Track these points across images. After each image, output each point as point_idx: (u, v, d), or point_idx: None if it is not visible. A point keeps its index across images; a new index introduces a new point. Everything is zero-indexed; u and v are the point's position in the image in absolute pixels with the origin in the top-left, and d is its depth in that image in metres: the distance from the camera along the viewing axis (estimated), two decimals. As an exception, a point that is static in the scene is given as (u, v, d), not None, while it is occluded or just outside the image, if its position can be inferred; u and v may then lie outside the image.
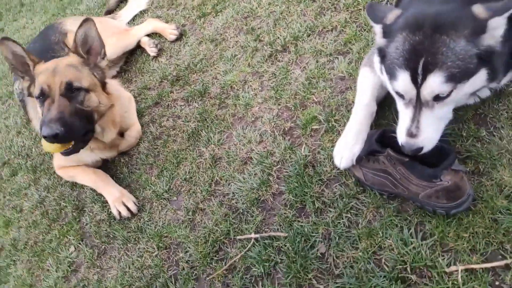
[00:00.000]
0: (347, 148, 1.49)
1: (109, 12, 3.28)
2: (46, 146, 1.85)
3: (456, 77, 1.10)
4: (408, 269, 1.27)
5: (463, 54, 1.09)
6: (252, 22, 2.36)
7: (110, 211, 2.03)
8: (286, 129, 1.84)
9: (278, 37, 2.16)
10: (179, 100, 2.31)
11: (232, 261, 1.59)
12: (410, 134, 1.20)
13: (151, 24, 2.78)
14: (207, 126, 2.07)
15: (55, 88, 1.84)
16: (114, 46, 2.66)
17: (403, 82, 1.15)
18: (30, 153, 2.77)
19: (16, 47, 1.92)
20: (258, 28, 2.29)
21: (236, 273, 1.56)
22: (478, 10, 1.09)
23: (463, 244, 1.25)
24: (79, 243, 2.05)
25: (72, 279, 1.96)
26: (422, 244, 1.30)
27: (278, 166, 1.74)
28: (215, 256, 1.65)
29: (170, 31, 2.65)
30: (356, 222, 1.45)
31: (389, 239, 1.35)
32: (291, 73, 2.00)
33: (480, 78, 1.15)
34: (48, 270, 2.05)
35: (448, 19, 1.10)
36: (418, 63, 1.10)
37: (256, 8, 2.40)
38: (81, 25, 1.94)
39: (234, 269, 1.58)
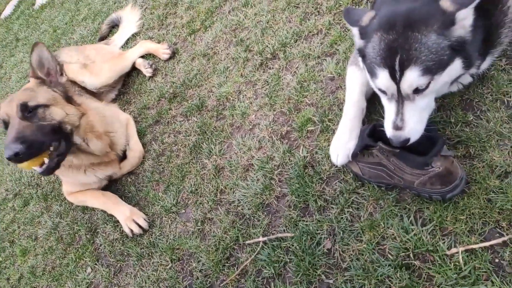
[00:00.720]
0: (342, 145, 1.55)
1: (102, 38, 3.37)
2: (20, 165, 1.87)
3: (432, 69, 1.16)
4: (411, 255, 1.32)
5: (435, 47, 1.14)
6: (240, 34, 2.43)
7: (122, 230, 2.09)
8: (283, 133, 1.90)
9: (267, 46, 2.23)
10: (178, 116, 2.38)
11: (243, 266, 1.64)
12: (396, 127, 1.26)
13: (144, 46, 2.87)
14: (208, 138, 2.13)
15: (13, 114, 1.89)
16: (110, 71, 2.75)
17: (383, 79, 1.22)
18: (39, 182, 2.85)
19: None
20: (247, 39, 2.37)
21: (248, 276, 1.61)
22: (446, 4, 1.14)
23: (461, 226, 1.29)
24: (95, 264, 2.11)
25: (92, 299, 2.02)
26: (422, 230, 1.35)
27: (279, 170, 1.79)
28: (227, 263, 1.71)
29: (162, 50, 2.73)
30: (358, 215, 1.50)
31: (390, 229, 1.40)
32: (282, 79, 2.07)
33: (456, 67, 1.20)
34: (68, 293, 2.11)
35: (418, 16, 1.16)
36: (395, 60, 1.16)
37: (243, 19, 2.48)
38: (32, 50, 2.00)
39: (246, 273, 1.64)
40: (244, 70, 2.25)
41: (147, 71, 2.74)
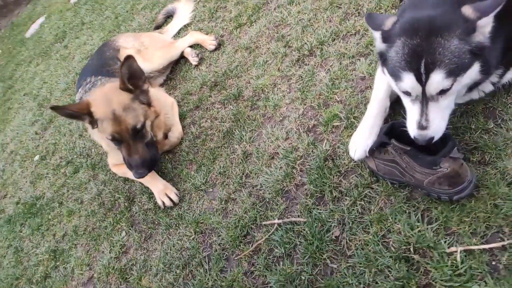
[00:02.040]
0: (361, 141, 1.63)
1: (158, 27, 3.62)
2: None
3: (455, 72, 1.21)
4: (412, 249, 1.38)
5: (457, 52, 1.20)
6: (282, 30, 2.55)
7: (155, 201, 2.29)
8: (310, 126, 2.00)
9: (306, 43, 2.33)
10: (217, 103, 2.55)
11: (257, 244, 1.78)
12: (421, 127, 1.31)
13: (193, 36, 3.06)
14: (240, 126, 2.28)
15: (125, 135, 2.15)
16: (161, 58, 2.97)
17: (409, 82, 1.27)
18: (90, 153, 3.14)
19: (67, 111, 2.17)
20: (288, 35, 2.48)
21: (261, 254, 1.74)
22: (467, 11, 1.20)
23: (465, 227, 1.34)
24: (130, 229, 2.33)
25: (123, 259, 2.24)
26: (427, 228, 1.41)
27: (301, 160, 1.90)
28: (244, 240, 1.85)
29: (209, 41, 2.91)
30: (369, 209, 1.58)
31: (397, 224, 1.47)
32: (316, 75, 2.16)
33: (475, 70, 1.26)
34: (103, 252, 2.35)
35: (441, 22, 1.22)
36: (420, 64, 1.22)
37: (287, 17, 2.59)
38: (123, 63, 2.12)
39: (259, 250, 1.77)
40: (282, 64, 2.37)
41: (193, 60, 2.93)
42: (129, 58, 2.12)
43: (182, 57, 3.10)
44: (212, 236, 1.96)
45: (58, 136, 3.66)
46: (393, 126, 1.48)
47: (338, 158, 1.79)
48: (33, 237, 2.89)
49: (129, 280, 2.12)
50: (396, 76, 1.34)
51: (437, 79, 1.23)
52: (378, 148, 1.55)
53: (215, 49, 2.89)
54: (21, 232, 3.04)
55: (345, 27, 2.24)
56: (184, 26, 3.40)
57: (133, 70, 2.18)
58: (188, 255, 1.97)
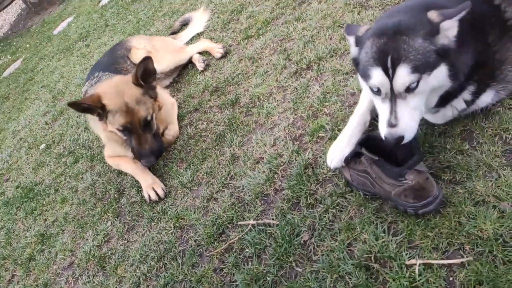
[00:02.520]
0: (338, 150, 1.67)
1: (173, 33, 3.76)
2: None
3: (420, 68, 1.25)
4: (373, 258, 1.39)
5: (421, 50, 1.25)
6: (285, 44, 2.63)
7: (143, 195, 2.35)
8: (297, 135, 2.04)
9: (305, 57, 2.40)
10: (214, 107, 2.62)
11: (230, 242, 1.80)
12: (390, 125, 1.32)
13: (203, 44, 3.17)
14: (233, 130, 2.34)
15: (136, 126, 2.31)
16: (170, 61, 3.09)
17: (377, 77, 1.31)
18: (91, 145, 3.24)
19: (83, 105, 2.29)
20: (290, 49, 2.56)
21: (232, 253, 1.77)
22: (432, 15, 1.27)
23: (428, 242, 1.35)
24: (115, 219, 2.38)
25: (104, 247, 2.28)
26: (391, 240, 1.41)
27: (284, 166, 1.94)
28: (219, 238, 1.87)
29: (217, 49, 3.01)
30: (340, 217, 1.60)
31: (364, 234, 1.48)
32: (310, 88, 2.22)
33: (442, 72, 1.29)
34: (87, 239, 2.40)
35: (407, 24, 1.29)
36: (387, 59, 1.27)
37: (292, 32, 2.68)
38: (141, 62, 2.29)
39: (231, 249, 1.79)
40: (280, 76, 2.44)
41: (200, 65, 3.03)
42: (147, 58, 2.28)
43: (190, 63, 3.20)
44: (190, 232, 2.00)
45: (65, 127, 3.78)
46: (369, 137, 1.52)
47: (318, 167, 1.82)
48: (26, 220, 2.97)
49: (106, 268, 2.15)
50: (366, 76, 1.37)
51: (403, 74, 1.26)
52: (353, 158, 1.58)
53: (222, 57, 2.99)
54: (16, 214, 3.12)
55: (344, 46, 2.30)
56: (197, 34, 3.52)
57: (148, 69, 2.31)
58: (165, 249, 2.01)
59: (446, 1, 1.34)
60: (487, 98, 1.46)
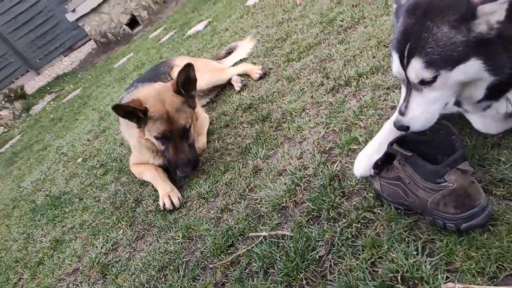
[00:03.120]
0: (366, 157, 1.46)
1: (218, 59, 3.79)
2: None
3: (437, 63, 1.08)
4: (399, 278, 1.12)
5: (444, 41, 1.06)
6: (326, 64, 2.51)
7: (158, 203, 2.21)
8: (327, 149, 1.85)
9: (344, 74, 2.25)
10: (245, 123, 2.50)
11: (237, 255, 1.59)
12: (400, 112, 1.22)
13: (243, 66, 3.14)
14: (260, 144, 2.18)
15: (175, 134, 2.25)
16: (208, 79, 3.06)
17: (394, 63, 1.18)
18: (122, 159, 3.21)
19: (127, 108, 2.20)
20: (330, 68, 2.43)
21: (238, 266, 1.55)
22: None
23: (471, 264, 1.06)
24: (127, 228, 2.25)
25: (110, 255, 2.14)
26: (425, 261, 1.14)
27: (308, 178, 1.73)
28: (227, 250, 1.67)
29: (256, 71, 2.95)
30: (365, 233, 1.35)
31: (392, 253, 1.22)
32: (346, 103, 2.05)
33: (473, 67, 1.09)
34: (96, 246, 2.27)
35: (441, 4, 1.09)
36: (405, 47, 1.11)
37: (334, 53, 2.56)
38: (182, 69, 2.25)
39: (238, 263, 1.57)
40: (316, 92, 2.29)
41: (237, 86, 2.97)
42: (189, 66, 2.26)
43: (229, 84, 3.16)
44: (198, 243, 1.81)
45: (104, 143, 3.83)
46: (404, 138, 1.30)
47: (345, 180, 1.60)
48: (46, 227, 2.93)
49: (107, 276, 2.00)
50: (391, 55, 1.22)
51: (415, 67, 1.12)
52: (385, 165, 1.36)
53: (260, 78, 2.92)
54: (39, 221, 3.10)
55: (387, 63, 2.13)
56: (241, 60, 3.52)
57: (189, 76, 2.27)
58: (169, 259, 1.82)
59: None
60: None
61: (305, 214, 1.57)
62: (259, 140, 2.22)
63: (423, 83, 1.14)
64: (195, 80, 2.34)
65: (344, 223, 1.42)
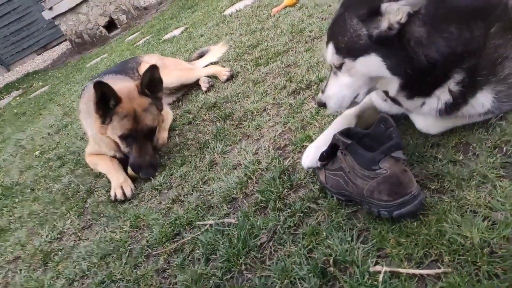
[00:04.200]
0: (314, 149, 1.49)
1: (190, 61, 3.81)
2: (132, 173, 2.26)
3: (343, 51, 1.20)
4: (332, 261, 1.14)
5: (350, 32, 1.17)
6: (291, 69, 2.56)
7: (110, 194, 2.17)
8: (282, 145, 1.88)
9: (306, 78, 2.31)
10: (207, 120, 2.51)
11: (181, 242, 1.57)
12: (322, 91, 1.38)
13: (212, 68, 3.17)
14: (219, 140, 2.19)
15: (140, 135, 2.20)
16: (176, 77, 3.07)
17: (324, 45, 1.30)
18: (81, 153, 3.13)
19: (108, 89, 2.10)
20: (294, 73, 2.48)
21: (181, 253, 1.53)
22: None
23: (400, 250, 1.10)
24: (76, 218, 2.18)
25: (54, 244, 2.06)
26: (359, 247, 1.17)
27: (260, 172, 1.75)
28: (173, 238, 1.65)
29: (224, 72, 2.98)
30: (306, 222, 1.37)
31: (329, 240, 1.24)
32: (305, 105, 2.09)
33: (373, 62, 1.19)
34: (41, 235, 2.18)
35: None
36: (328, 34, 1.25)
37: (299, 60, 2.63)
38: (147, 70, 2.21)
39: (182, 250, 1.55)
40: (279, 94, 2.34)
41: (204, 86, 2.99)
42: (153, 67, 2.23)
43: (197, 85, 3.17)
44: (145, 232, 1.78)
45: (64, 138, 3.74)
46: (349, 131, 1.34)
47: (295, 173, 1.63)
48: (-7, 216, 2.80)
49: (48, 263, 1.92)
50: None
51: (329, 51, 1.27)
52: (331, 158, 1.39)
53: (227, 80, 2.94)
54: (-13, 211, 2.96)
55: (347, 70, 2.20)
56: (211, 64, 3.54)
57: (154, 78, 2.25)
58: (113, 247, 1.77)
59: None
60: (484, 99, 1.27)
61: (253, 204, 1.58)
62: (218, 137, 2.23)
63: (338, 67, 1.26)
64: (160, 81, 2.32)
65: (288, 212, 1.43)
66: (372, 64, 1.19)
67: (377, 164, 1.13)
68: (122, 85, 2.33)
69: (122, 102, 2.16)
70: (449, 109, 1.29)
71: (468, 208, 1.12)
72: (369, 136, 1.28)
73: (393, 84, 1.25)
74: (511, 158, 1.23)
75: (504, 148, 1.27)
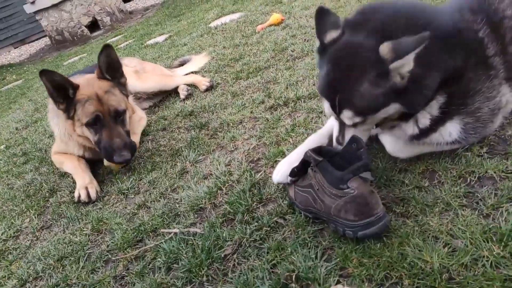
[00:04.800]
0: (286, 164, 1.50)
1: (170, 68, 3.78)
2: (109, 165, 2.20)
3: (364, 112, 1.21)
4: (294, 278, 1.13)
5: (367, 95, 1.18)
6: (270, 85, 2.59)
7: (74, 195, 2.10)
8: (255, 159, 1.87)
9: (285, 96, 2.33)
10: (183, 128, 2.49)
11: (142, 249, 1.53)
12: (338, 142, 1.33)
13: (192, 77, 3.16)
14: (192, 148, 2.17)
15: (107, 117, 2.09)
16: (155, 82, 3.04)
17: (326, 108, 1.30)
18: (48, 150, 3.03)
19: (55, 76, 2.02)
20: (273, 89, 2.50)
21: (142, 261, 1.48)
22: (385, 50, 1.14)
23: (362, 271, 1.10)
24: (35, 217, 2.09)
25: (9, 242, 1.97)
26: (322, 265, 1.17)
27: (231, 183, 1.73)
28: (135, 245, 1.60)
29: (203, 82, 2.98)
30: (273, 237, 1.36)
31: (294, 256, 1.24)
32: (281, 121, 2.11)
33: (393, 108, 1.23)
34: (-4, 233, 2.08)
35: (360, 60, 1.19)
36: (336, 97, 1.23)
37: (279, 77, 2.65)
38: (102, 51, 2.12)
39: (143, 257, 1.51)
40: (256, 109, 2.35)
41: (182, 94, 2.97)
42: (107, 46, 2.15)
43: (175, 92, 3.14)
44: (107, 236, 1.72)
45: (32, 134, 3.61)
46: (321, 149, 1.35)
47: (265, 187, 1.62)
48: None
49: (1, 262, 1.82)
50: (320, 94, 1.34)
51: (347, 116, 1.24)
52: (301, 174, 1.40)
53: (206, 90, 2.94)
54: None
55: (325, 91, 2.24)
56: (191, 72, 3.53)
57: (112, 60, 2.20)
58: (71, 250, 1.71)
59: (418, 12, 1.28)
60: (452, 129, 1.32)
61: (221, 215, 1.56)
62: (192, 145, 2.21)
63: (355, 125, 1.27)
64: (119, 63, 2.23)
65: (255, 226, 1.42)
66: (392, 109, 1.23)
67: (345, 183, 1.15)
68: (80, 77, 2.28)
69: (80, 88, 2.08)
70: (419, 135, 1.33)
71: (430, 234, 1.15)
72: (339, 156, 1.30)
73: (397, 115, 1.31)
74: (474, 189, 1.27)
75: (468, 179, 1.31)
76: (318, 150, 1.34)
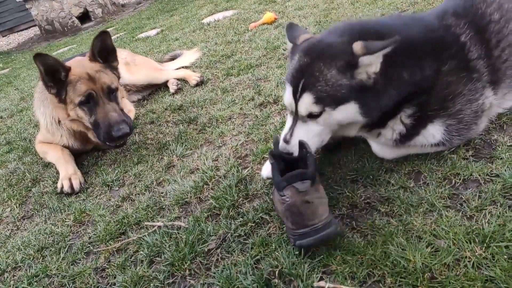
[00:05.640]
0: (274, 161, 1.48)
1: (161, 63, 3.75)
2: None
3: (325, 100, 1.20)
4: (277, 273, 1.13)
5: (332, 82, 1.19)
6: (260, 83, 2.58)
7: (56, 186, 2.06)
8: (243, 155, 1.86)
9: (275, 94, 2.33)
10: (171, 122, 2.46)
11: (125, 241, 1.51)
12: (285, 140, 1.32)
13: (183, 71, 3.14)
14: (180, 143, 2.15)
15: (100, 94, 2.05)
16: (145, 75, 3.02)
17: (287, 94, 1.29)
18: (32, 140, 2.97)
19: (49, 59, 1.99)
20: (263, 87, 2.50)
21: (124, 253, 1.46)
22: (357, 47, 1.18)
23: (345, 268, 1.10)
24: (17, 207, 2.05)
25: (-11, 231, 1.92)
26: (306, 262, 1.16)
27: (217, 179, 1.72)
28: (117, 237, 1.57)
29: (194, 77, 2.96)
30: (257, 232, 1.35)
31: (278, 252, 1.23)
32: (270, 119, 2.10)
33: (351, 109, 1.22)
34: (-25, 221, 2.03)
35: (332, 50, 1.22)
36: (300, 82, 1.23)
37: (270, 75, 2.65)
38: (96, 37, 2.10)
39: (125, 250, 1.49)
40: (246, 105, 2.34)
41: (172, 88, 2.94)
42: (104, 33, 2.13)
43: (165, 86, 3.11)
44: (89, 227, 1.69)
45: (17, 123, 3.55)
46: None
47: (252, 184, 1.61)
48: None
49: (-22, 251, 1.78)
50: (285, 88, 1.35)
51: (306, 101, 1.23)
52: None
53: (196, 85, 2.92)
54: None
55: (315, 90, 2.24)
56: (182, 67, 3.50)
57: (106, 44, 2.16)
58: (52, 240, 1.68)
59: (395, 25, 1.31)
60: (435, 131, 1.33)
61: (206, 210, 1.55)
62: (180, 139, 2.19)
63: (310, 116, 1.25)
64: (113, 49, 2.21)
65: (240, 221, 1.41)
66: (350, 111, 1.22)
67: (282, 190, 1.15)
68: (70, 60, 2.25)
69: (72, 69, 2.05)
70: (403, 139, 1.35)
71: (414, 233, 1.15)
72: (300, 159, 1.29)
73: (355, 127, 1.32)
74: (459, 190, 1.28)
75: (453, 180, 1.32)
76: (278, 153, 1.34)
